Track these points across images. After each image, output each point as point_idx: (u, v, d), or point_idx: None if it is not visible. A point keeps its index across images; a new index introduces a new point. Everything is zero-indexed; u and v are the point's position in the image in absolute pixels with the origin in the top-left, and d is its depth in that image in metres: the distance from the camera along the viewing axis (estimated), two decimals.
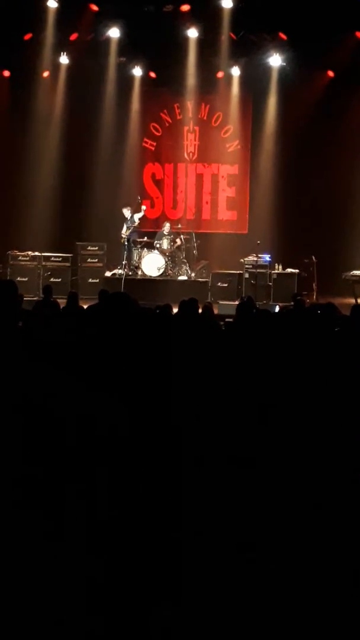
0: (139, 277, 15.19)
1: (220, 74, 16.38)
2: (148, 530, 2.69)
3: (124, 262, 15.08)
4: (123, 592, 2.54)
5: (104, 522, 2.70)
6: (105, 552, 2.63)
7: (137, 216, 15.32)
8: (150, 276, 15.15)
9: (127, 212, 15.40)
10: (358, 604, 2.53)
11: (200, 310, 7.89)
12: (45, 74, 16.23)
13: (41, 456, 2.86)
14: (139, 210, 15.44)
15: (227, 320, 8.09)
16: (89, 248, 15.80)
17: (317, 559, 2.67)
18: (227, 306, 12.54)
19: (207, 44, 15.64)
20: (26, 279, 14.68)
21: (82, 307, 8.59)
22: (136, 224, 15.34)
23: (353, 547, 2.70)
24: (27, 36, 15.34)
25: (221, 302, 13.59)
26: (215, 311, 10.69)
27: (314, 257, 14.85)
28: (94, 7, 14.85)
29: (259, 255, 15.03)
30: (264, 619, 2.49)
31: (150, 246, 15.50)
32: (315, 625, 2.49)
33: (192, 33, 15.51)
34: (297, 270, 14.95)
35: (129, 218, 15.35)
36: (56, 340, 4.07)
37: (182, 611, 2.49)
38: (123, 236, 15.12)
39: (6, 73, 16.42)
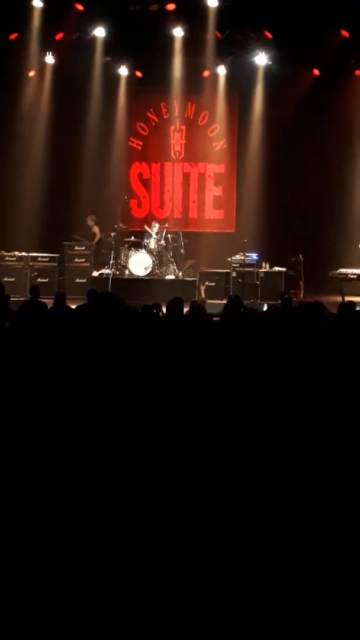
0: (126, 276, 15.16)
1: (206, 73, 16.38)
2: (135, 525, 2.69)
3: (111, 262, 15.06)
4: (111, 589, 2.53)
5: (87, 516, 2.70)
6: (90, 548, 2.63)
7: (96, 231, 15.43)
8: (138, 276, 15.13)
9: (90, 221, 15.52)
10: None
11: (187, 309, 7.89)
12: (31, 73, 16.17)
13: (29, 451, 2.85)
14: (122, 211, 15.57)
15: (214, 319, 8.08)
16: (76, 248, 15.76)
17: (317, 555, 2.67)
18: (214, 305, 12.54)
19: (192, 43, 15.62)
20: (13, 280, 14.61)
21: (70, 308, 8.57)
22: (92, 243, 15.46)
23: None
24: (13, 36, 15.28)
25: (209, 301, 13.59)
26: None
27: (301, 256, 14.88)
28: (79, 7, 14.81)
29: (246, 254, 15.04)
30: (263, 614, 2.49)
31: (137, 246, 15.48)
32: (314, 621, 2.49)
33: (178, 32, 15.50)
34: (284, 269, 14.98)
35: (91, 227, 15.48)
36: (43, 340, 4.06)
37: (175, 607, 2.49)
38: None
39: None
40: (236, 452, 2.98)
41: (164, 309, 8.98)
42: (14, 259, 15.37)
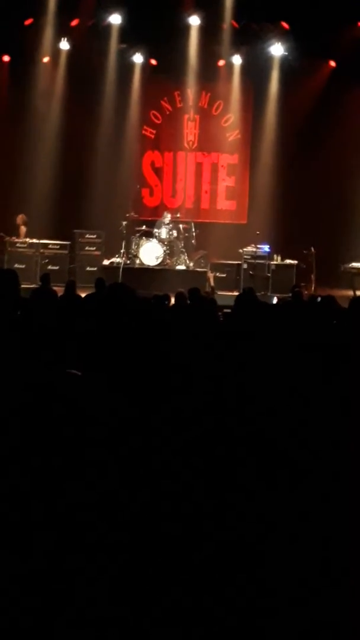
0: (136, 266, 15.12)
1: (221, 62, 16.30)
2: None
3: (122, 251, 15.02)
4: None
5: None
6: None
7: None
8: (148, 265, 15.09)
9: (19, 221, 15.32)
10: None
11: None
12: (46, 59, 16.12)
13: (40, 446, 2.84)
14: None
15: (225, 310, 8.05)
16: (87, 236, 15.73)
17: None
18: (225, 297, 12.50)
19: (208, 32, 15.55)
20: (24, 266, 14.60)
21: (80, 296, 8.56)
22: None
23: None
24: (28, 21, 15.23)
25: (219, 292, 13.55)
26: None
27: (313, 249, 14.80)
28: None
29: (258, 246, 14.98)
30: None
31: (148, 235, 15.43)
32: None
33: (194, 20, 15.42)
34: (296, 262, 14.92)
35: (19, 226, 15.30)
36: (54, 329, 4.05)
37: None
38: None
39: (6, 58, 16.29)
40: (241, 449, 2.95)
41: (173, 300, 8.98)
42: (25, 245, 15.36)
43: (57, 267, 14.95)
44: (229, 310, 7.36)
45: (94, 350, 3.17)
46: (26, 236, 15.33)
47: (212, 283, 14.49)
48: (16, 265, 14.45)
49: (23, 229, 15.50)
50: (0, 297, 3.63)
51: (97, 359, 3.14)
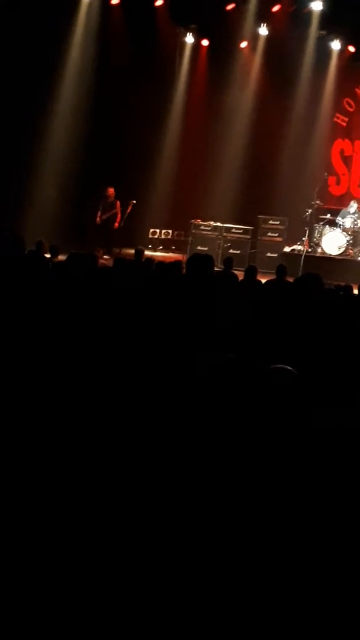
0: (318, 254, 15.00)
1: None
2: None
3: (304, 239, 14.94)
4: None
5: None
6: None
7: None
8: (330, 254, 14.92)
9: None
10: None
11: None
12: (244, 44, 16.27)
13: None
14: None
15: None
16: (270, 222, 15.78)
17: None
18: None
19: None
20: (206, 249, 14.90)
21: (260, 282, 8.66)
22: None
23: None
24: (230, 6, 15.41)
25: None
26: None
27: None
28: None
29: None
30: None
31: (332, 224, 15.23)
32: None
33: None
34: None
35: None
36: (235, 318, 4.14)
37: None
38: None
39: (205, 42, 16.61)
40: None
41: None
42: (209, 228, 15.66)
43: (238, 252, 15.13)
44: None
45: (279, 339, 3.21)
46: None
47: None
48: (199, 247, 14.80)
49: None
50: (196, 279, 3.79)
51: (285, 349, 3.18)
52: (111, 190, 14.08)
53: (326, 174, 16.20)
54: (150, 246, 16.22)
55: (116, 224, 14.07)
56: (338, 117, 16.95)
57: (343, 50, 16.25)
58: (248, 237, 15.61)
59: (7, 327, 3.48)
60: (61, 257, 9.19)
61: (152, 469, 2.76)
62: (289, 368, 2.78)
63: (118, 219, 14.08)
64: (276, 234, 15.66)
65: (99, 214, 14.10)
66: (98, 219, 14.10)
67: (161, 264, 7.65)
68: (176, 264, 7.50)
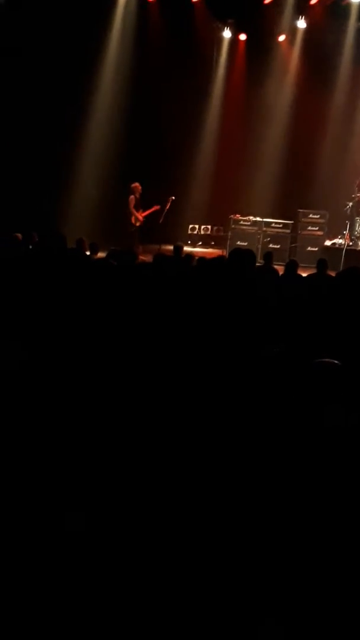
0: (359, 248, 14.86)
1: None
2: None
3: (345, 232, 14.81)
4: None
5: None
6: None
7: None
8: None
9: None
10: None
11: None
12: (281, 37, 16.19)
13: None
14: None
15: None
16: (310, 216, 15.68)
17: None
18: None
19: None
20: (245, 244, 14.85)
21: (301, 276, 8.62)
22: None
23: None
24: (268, 0, 15.34)
25: None
26: None
27: None
28: None
29: None
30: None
31: None
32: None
33: None
34: None
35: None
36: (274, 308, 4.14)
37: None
38: None
39: (242, 37, 16.56)
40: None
41: None
42: (249, 223, 15.62)
43: (278, 246, 15.06)
44: None
45: (323, 334, 3.21)
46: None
47: None
48: (238, 242, 14.77)
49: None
50: (238, 274, 3.80)
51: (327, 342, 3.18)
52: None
53: None
54: (189, 242, 16.24)
55: (160, 219, 13.44)
56: None
57: None
58: (288, 231, 15.53)
59: (56, 319, 3.54)
60: (100, 254, 9.27)
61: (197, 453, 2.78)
62: (335, 361, 2.78)
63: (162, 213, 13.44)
64: (316, 228, 15.56)
65: (140, 211, 13.91)
66: (141, 217, 13.85)
67: (203, 259, 7.66)
68: (219, 259, 7.51)
